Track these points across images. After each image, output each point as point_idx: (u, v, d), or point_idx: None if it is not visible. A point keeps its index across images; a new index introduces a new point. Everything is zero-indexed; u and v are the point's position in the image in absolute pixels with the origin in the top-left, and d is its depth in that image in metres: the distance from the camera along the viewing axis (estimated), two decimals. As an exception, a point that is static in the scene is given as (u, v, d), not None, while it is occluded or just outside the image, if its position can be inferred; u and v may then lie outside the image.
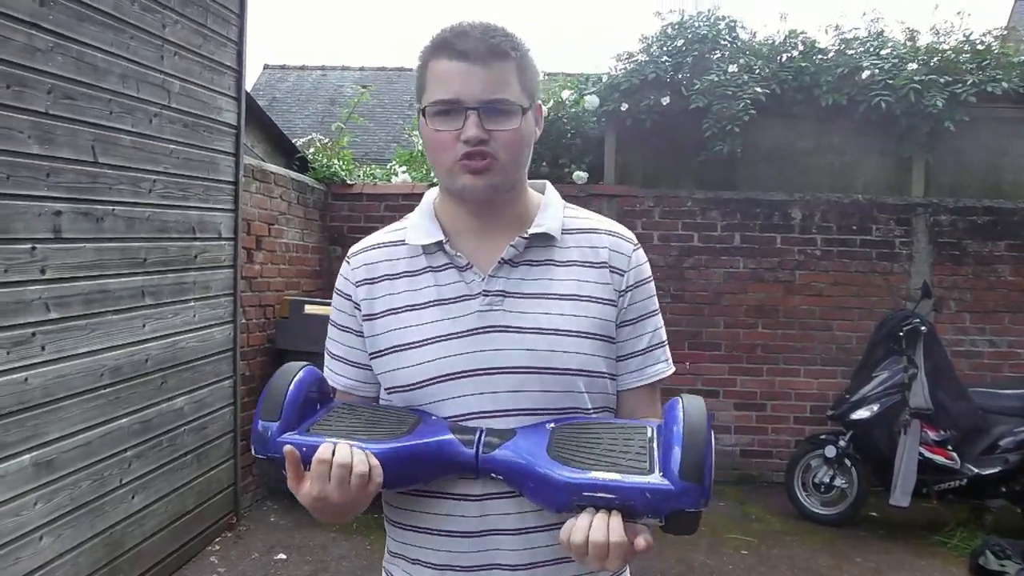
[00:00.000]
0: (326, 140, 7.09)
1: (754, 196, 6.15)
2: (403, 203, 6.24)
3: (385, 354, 1.32)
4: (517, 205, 1.36)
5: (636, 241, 1.41)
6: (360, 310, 1.36)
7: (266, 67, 18.00)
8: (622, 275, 1.35)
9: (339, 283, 1.40)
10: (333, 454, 1.14)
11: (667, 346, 1.42)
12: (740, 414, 6.10)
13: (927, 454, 4.79)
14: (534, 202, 1.39)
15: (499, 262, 1.31)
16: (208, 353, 4.33)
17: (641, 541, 1.10)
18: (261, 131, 6.83)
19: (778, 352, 6.10)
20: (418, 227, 1.37)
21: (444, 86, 1.25)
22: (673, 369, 1.43)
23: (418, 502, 1.30)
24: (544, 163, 6.37)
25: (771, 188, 6.20)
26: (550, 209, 1.37)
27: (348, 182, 6.54)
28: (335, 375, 1.40)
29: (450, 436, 1.21)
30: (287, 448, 1.15)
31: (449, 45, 1.25)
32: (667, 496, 1.10)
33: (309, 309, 5.12)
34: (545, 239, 1.33)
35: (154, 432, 3.86)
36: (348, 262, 1.40)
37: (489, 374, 1.27)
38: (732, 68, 5.97)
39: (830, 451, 5.06)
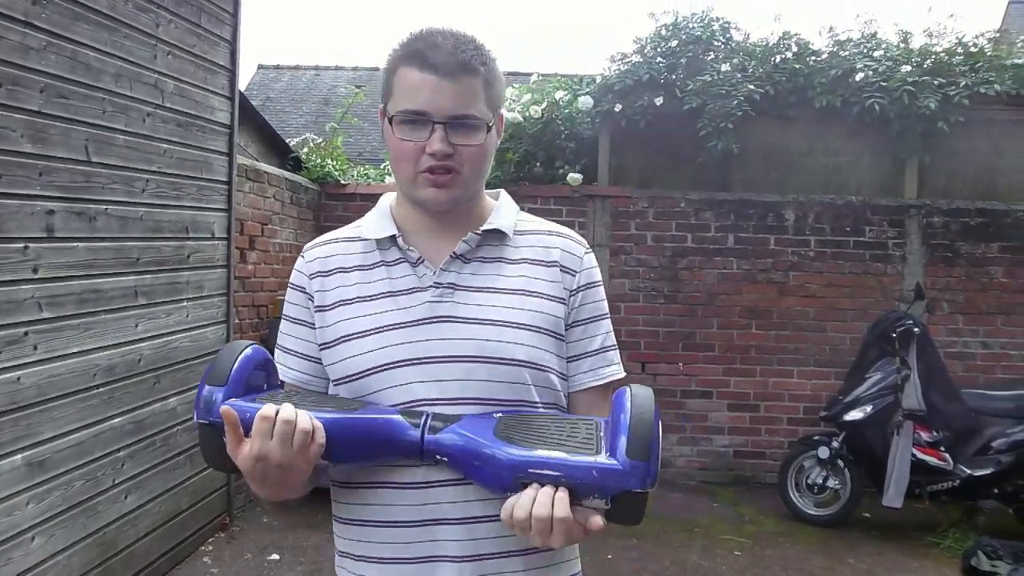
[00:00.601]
0: (320, 140, 7.08)
1: (748, 197, 6.16)
2: (397, 203, 6.24)
3: (334, 344, 1.33)
4: (473, 209, 1.39)
5: (588, 245, 1.44)
6: (313, 302, 1.37)
7: (260, 67, 17.98)
8: (573, 275, 1.37)
9: (293, 277, 1.42)
10: (277, 413, 1.13)
11: (618, 351, 1.44)
12: (734, 415, 6.11)
13: (920, 455, 4.80)
14: (488, 206, 1.42)
15: (451, 256, 1.33)
16: (201, 353, 4.32)
17: (598, 520, 1.10)
18: (255, 131, 6.84)
19: (772, 353, 6.10)
20: (373, 223, 1.40)
21: (413, 97, 1.27)
22: (624, 374, 1.43)
23: (360, 494, 1.30)
24: (538, 164, 6.38)
25: (765, 189, 6.21)
26: (503, 210, 1.41)
27: (342, 182, 6.54)
28: (286, 368, 1.40)
29: (398, 416, 1.21)
30: (224, 408, 1.14)
31: (420, 56, 1.27)
32: (614, 474, 1.09)
33: (303, 309, 5.10)
34: (497, 236, 1.37)
35: (147, 432, 3.85)
36: (303, 256, 1.42)
37: (436, 362, 1.28)
38: (725, 67, 5.99)
39: (823, 452, 5.07)
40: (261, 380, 1.26)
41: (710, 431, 6.12)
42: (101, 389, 3.49)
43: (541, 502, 1.09)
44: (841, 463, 5.07)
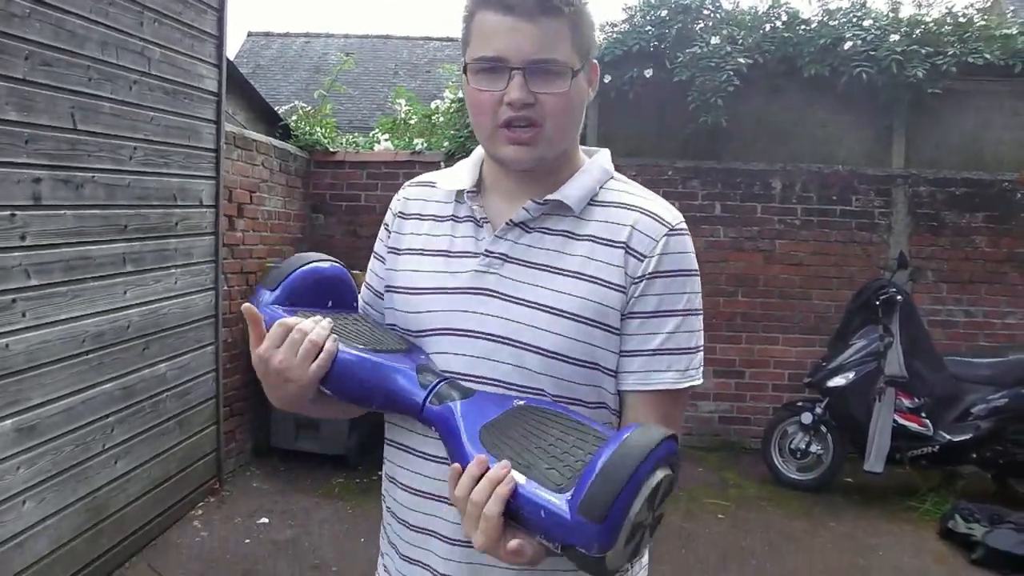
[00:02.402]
0: (309, 108, 7.06)
1: (735, 166, 6.18)
2: (385, 171, 6.27)
3: (392, 292, 1.32)
4: (560, 170, 1.27)
5: (678, 227, 1.25)
6: (389, 239, 1.36)
7: (250, 34, 17.84)
8: (641, 260, 1.21)
9: (387, 215, 1.41)
10: (295, 325, 1.14)
11: (695, 355, 1.24)
12: (719, 381, 6.17)
13: (901, 421, 4.87)
14: (577, 168, 1.29)
15: (507, 224, 1.24)
16: (190, 320, 4.35)
17: (514, 543, 0.99)
18: (243, 99, 6.83)
19: (757, 320, 6.16)
20: (457, 173, 1.33)
21: (489, 42, 1.17)
22: (693, 383, 1.24)
23: (391, 452, 1.32)
24: (527, 133, 6.36)
25: (753, 158, 6.23)
26: (583, 177, 1.27)
27: (331, 150, 6.53)
28: (363, 303, 1.40)
29: (412, 372, 1.16)
30: (245, 305, 1.17)
31: None
32: (560, 524, 0.95)
33: (291, 277, 5.14)
34: (562, 208, 1.24)
35: (137, 398, 3.89)
36: (399, 193, 1.41)
37: (466, 336, 1.22)
38: (715, 40, 5.98)
39: (806, 418, 5.14)
40: (327, 298, 1.25)
41: (696, 397, 6.16)
42: (90, 355, 3.52)
43: (482, 487, 0.99)
44: (824, 429, 5.14)
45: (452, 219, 1.29)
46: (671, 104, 6.09)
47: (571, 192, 1.24)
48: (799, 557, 4.26)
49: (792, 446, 5.25)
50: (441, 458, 1.17)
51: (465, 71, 1.22)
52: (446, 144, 6.33)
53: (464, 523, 1.02)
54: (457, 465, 1.04)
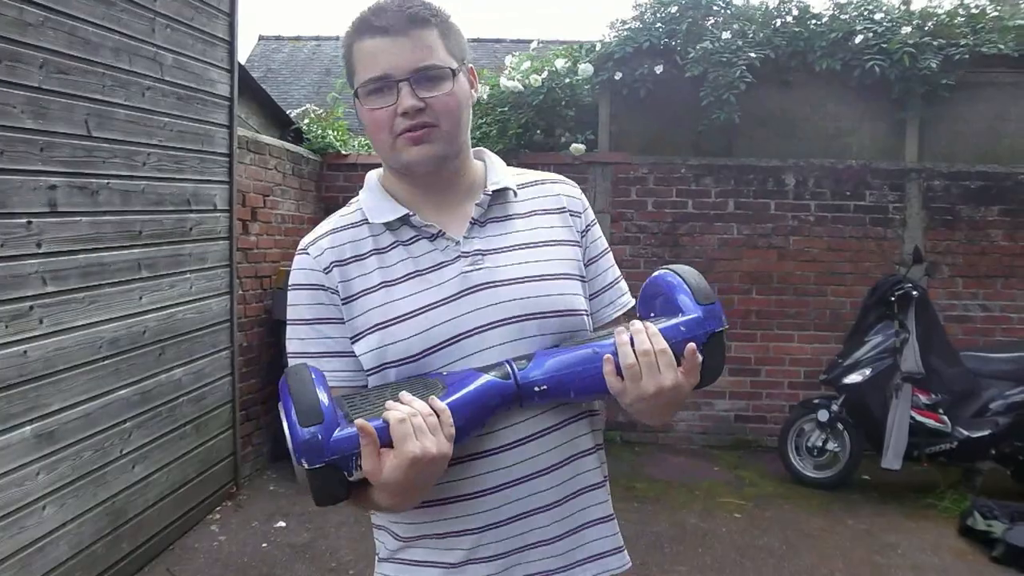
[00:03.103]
0: (320, 111, 7.07)
1: (748, 162, 6.16)
2: (398, 173, 6.26)
3: (369, 333, 1.28)
4: (466, 173, 1.38)
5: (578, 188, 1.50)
6: (338, 294, 1.30)
7: (261, 38, 17.86)
8: (579, 216, 1.43)
9: (300, 277, 1.33)
10: (408, 412, 1.11)
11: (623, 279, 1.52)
12: (735, 379, 6.15)
13: (918, 417, 4.84)
14: (479, 166, 1.42)
15: (470, 223, 1.33)
16: (205, 324, 4.37)
17: (689, 346, 1.19)
18: (255, 103, 6.85)
19: (772, 318, 6.14)
20: (375, 206, 1.34)
21: (372, 64, 1.26)
22: (634, 301, 1.46)
23: (467, 469, 1.26)
24: (539, 132, 6.38)
25: (765, 154, 6.20)
26: (497, 167, 1.42)
27: (343, 152, 6.55)
28: (329, 374, 1.28)
29: (484, 376, 1.20)
30: (359, 421, 1.09)
31: (369, 24, 1.27)
32: (695, 322, 1.22)
33: (305, 280, 5.15)
34: (504, 194, 1.38)
35: (153, 403, 3.90)
36: (307, 253, 1.33)
37: (487, 330, 1.27)
38: (726, 35, 5.96)
39: (823, 415, 5.11)
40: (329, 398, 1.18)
41: (711, 395, 6.16)
42: (107, 361, 3.54)
43: (640, 339, 1.19)
44: (840, 426, 5.11)
45: (398, 245, 1.32)
46: (682, 101, 6.07)
47: (504, 180, 1.39)
48: (817, 555, 4.24)
49: (809, 444, 5.22)
50: (521, 440, 1.27)
51: (357, 96, 1.30)
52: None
53: (645, 382, 1.19)
54: (608, 355, 1.20)
